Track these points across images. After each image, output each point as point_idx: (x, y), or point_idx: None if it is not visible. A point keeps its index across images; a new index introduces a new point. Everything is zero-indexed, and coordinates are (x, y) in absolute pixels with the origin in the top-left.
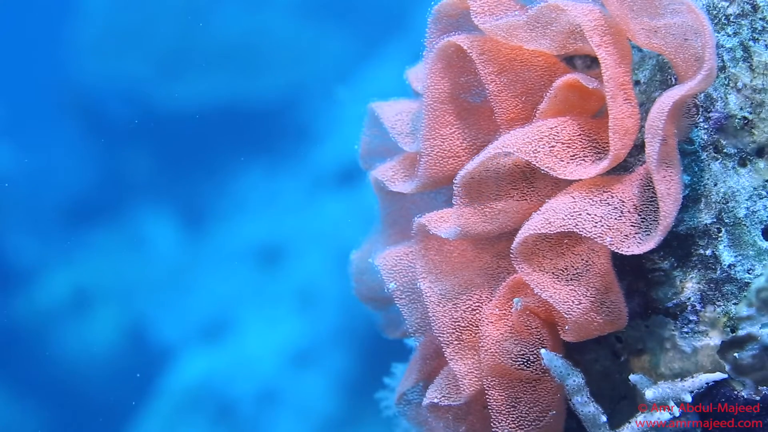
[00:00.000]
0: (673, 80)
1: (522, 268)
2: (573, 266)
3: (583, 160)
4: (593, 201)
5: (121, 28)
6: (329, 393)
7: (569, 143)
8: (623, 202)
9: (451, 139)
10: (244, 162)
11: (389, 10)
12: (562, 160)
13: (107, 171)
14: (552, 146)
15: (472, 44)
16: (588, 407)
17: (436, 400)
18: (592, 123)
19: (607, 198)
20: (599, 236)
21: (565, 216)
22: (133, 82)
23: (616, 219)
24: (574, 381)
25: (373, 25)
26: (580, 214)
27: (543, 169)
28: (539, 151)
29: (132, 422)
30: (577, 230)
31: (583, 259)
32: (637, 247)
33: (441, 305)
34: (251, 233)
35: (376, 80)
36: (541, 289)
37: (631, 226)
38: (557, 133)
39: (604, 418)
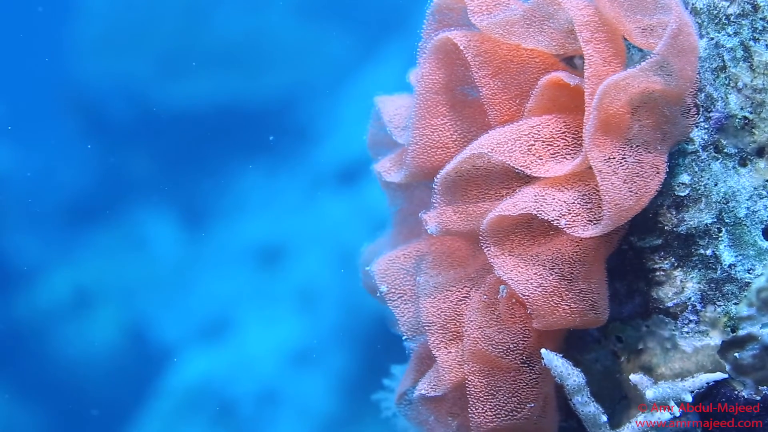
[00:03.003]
0: None
1: (489, 250)
2: (544, 253)
3: (565, 157)
4: (564, 188)
5: (122, 28)
6: (329, 393)
7: (550, 141)
8: (596, 190)
9: (441, 130)
10: (244, 162)
11: (389, 11)
12: (541, 158)
13: (107, 171)
14: (530, 145)
15: (469, 43)
16: (588, 407)
17: (423, 392)
18: (582, 120)
19: (580, 186)
20: (556, 219)
21: (530, 199)
22: (134, 81)
23: (581, 205)
24: (575, 381)
25: (373, 25)
26: (545, 198)
27: (517, 169)
28: (515, 151)
29: (132, 422)
30: (537, 212)
31: (557, 247)
32: (592, 231)
33: (431, 296)
34: (251, 233)
35: (376, 80)
36: (502, 271)
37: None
38: (538, 131)
39: (604, 418)
